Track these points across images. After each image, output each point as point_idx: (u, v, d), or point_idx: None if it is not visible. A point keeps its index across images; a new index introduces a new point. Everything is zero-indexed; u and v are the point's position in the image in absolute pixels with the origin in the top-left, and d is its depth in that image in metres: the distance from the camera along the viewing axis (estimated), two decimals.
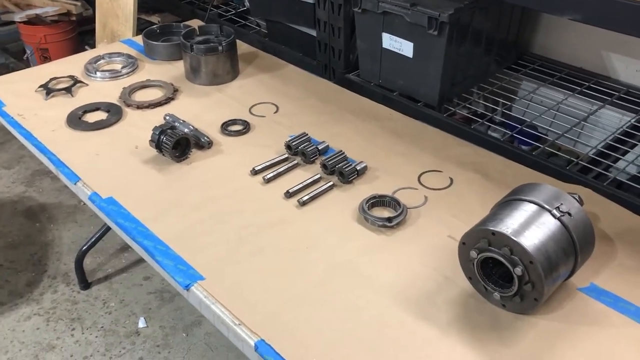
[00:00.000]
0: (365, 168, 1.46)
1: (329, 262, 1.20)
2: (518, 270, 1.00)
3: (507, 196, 1.12)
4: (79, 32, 3.51)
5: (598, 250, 1.12)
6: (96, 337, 2.09)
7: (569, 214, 1.04)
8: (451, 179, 1.43)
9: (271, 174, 1.44)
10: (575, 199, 1.12)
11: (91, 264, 2.41)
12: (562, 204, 1.05)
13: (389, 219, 1.28)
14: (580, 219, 1.05)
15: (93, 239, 2.30)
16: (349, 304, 1.10)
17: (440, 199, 1.37)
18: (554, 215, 1.03)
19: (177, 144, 1.49)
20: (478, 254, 1.05)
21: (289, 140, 1.52)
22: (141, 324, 2.14)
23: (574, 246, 1.03)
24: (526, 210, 1.05)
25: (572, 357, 0.99)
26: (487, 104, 1.81)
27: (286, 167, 1.47)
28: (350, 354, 1.01)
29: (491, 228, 1.02)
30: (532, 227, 1.01)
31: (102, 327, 2.13)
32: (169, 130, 1.49)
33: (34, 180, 2.83)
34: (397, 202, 1.33)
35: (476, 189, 1.40)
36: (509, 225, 1.01)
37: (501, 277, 1.07)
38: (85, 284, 2.30)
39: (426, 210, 1.34)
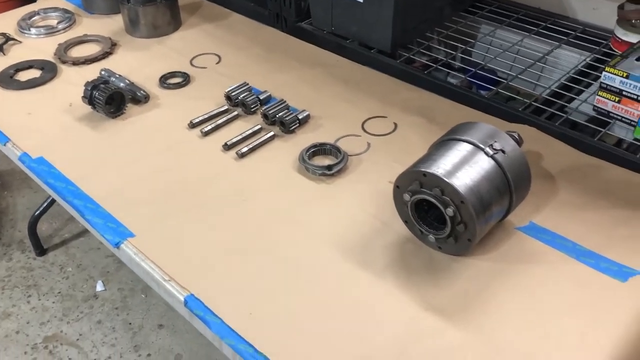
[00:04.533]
0: (307, 117, 1.41)
1: (266, 213, 1.16)
2: (449, 211, 0.97)
3: (443, 136, 1.09)
4: None
5: (539, 188, 1.10)
6: (53, 302, 2.06)
7: (503, 152, 1.01)
8: (395, 124, 1.40)
9: (209, 127, 1.38)
10: (514, 137, 1.10)
11: (47, 229, 2.36)
12: (495, 141, 1.02)
13: (329, 167, 1.24)
14: (515, 157, 1.02)
15: (45, 205, 2.24)
16: (285, 254, 1.07)
17: (383, 144, 1.34)
18: (487, 154, 1.00)
19: (110, 99, 1.43)
20: (411, 197, 1.02)
21: (229, 91, 1.47)
22: (99, 287, 2.11)
23: (509, 185, 1.01)
24: (460, 150, 1.01)
25: (505, 294, 0.97)
26: (446, 50, 1.75)
27: (225, 119, 1.41)
28: (286, 303, 0.98)
29: (423, 169, 0.98)
30: (465, 167, 0.98)
31: (59, 292, 2.09)
32: (101, 85, 1.42)
33: None
34: (338, 150, 1.29)
35: (420, 132, 1.36)
36: (440, 166, 0.98)
37: (436, 219, 1.04)
38: (40, 250, 2.25)
39: (368, 157, 1.30)
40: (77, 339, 1.92)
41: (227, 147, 1.33)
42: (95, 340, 1.91)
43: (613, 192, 1.17)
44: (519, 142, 1.11)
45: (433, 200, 0.98)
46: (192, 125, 1.40)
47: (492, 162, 1.00)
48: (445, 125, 1.36)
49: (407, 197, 1.02)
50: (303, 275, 1.03)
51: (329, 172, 1.24)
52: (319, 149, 1.30)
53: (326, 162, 1.28)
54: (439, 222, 1.03)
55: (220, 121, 1.40)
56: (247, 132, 1.36)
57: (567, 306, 0.95)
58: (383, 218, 1.13)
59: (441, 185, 0.97)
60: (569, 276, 1.00)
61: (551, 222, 1.11)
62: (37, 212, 2.23)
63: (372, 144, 1.34)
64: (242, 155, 1.30)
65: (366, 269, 1.03)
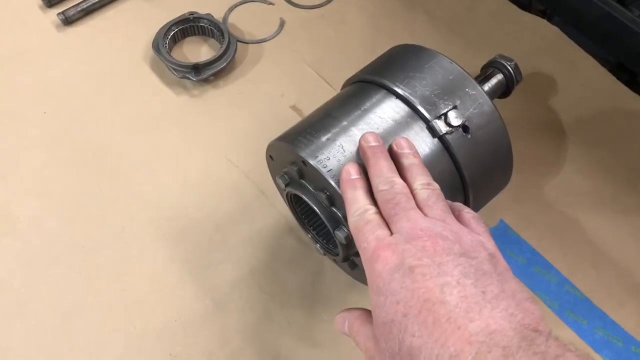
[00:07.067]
0: None
1: (74, 147, 0.71)
2: (340, 236, 0.52)
3: (368, 70, 0.58)
4: None
5: (534, 154, 0.63)
6: None
7: (464, 129, 0.52)
8: None
9: None
10: (504, 76, 0.60)
11: None
12: (454, 106, 0.52)
13: (196, 67, 0.74)
14: (487, 135, 0.53)
15: None
16: (70, 263, 0.65)
17: (306, 24, 0.82)
18: (433, 131, 0.51)
19: None
20: (285, 185, 0.56)
21: None
22: None
23: (464, 188, 0.54)
24: (383, 116, 0.52)
25: None
26: None
27: None
28: None
29: (302, 154, 0.51)
30: None
31: None
32: None
33: None
34: (221, 32, 0.77)
35: (369, 8, 0.83)
36: (335, 152, 0.50)
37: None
38: None
39: (275, 48, 0.80)
40: None
41: (50, 2, 0.81)
42: None
43: None
44: (512, 81, 0.61)
45: (315, 208, 0.53)
46: None
47: (437, 147, 0.52)
48: None
49: (281, 183, 0.56)
50: (99, 303, 0.62)
51: (196, 78, 0.75)
52: (190, 27, 0.79)
53: (202, 53, 0.78)
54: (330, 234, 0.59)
55: None
56: None
57: None
58: (261, 181, 0.68)
59: (329, 191, 0.51)
60: None
61: (539, 224, 0.66)
62: None
63: (288, 21, 0.82)
64: (68, 21, 0.80)
65: (205, 288, 0.62)
